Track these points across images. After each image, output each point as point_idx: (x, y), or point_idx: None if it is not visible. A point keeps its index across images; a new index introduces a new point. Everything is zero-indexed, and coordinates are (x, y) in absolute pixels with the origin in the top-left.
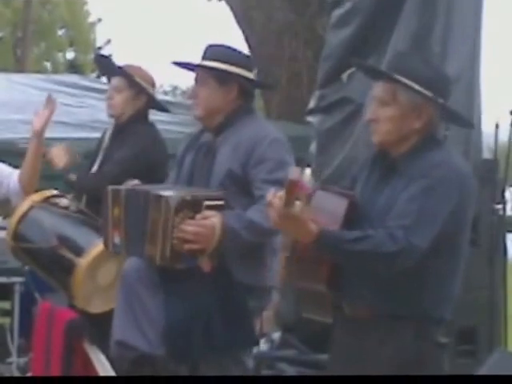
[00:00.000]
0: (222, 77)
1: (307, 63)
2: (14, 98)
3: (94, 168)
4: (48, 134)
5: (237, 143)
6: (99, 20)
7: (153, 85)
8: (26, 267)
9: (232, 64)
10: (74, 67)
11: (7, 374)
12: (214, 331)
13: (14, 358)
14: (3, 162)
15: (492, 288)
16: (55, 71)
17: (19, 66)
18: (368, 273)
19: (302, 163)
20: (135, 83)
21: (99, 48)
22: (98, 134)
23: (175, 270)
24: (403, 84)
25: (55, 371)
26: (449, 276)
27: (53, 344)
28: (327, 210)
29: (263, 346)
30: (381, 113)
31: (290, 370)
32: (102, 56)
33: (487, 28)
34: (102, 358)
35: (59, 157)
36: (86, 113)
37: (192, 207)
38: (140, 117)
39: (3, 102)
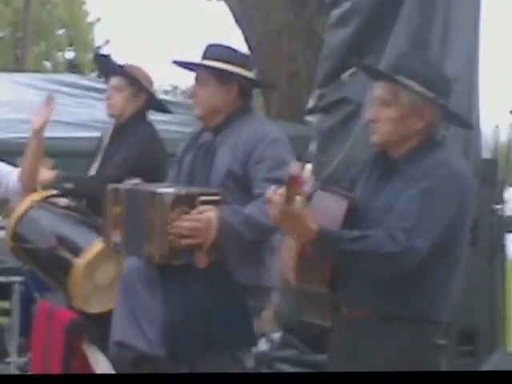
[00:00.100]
0: (222, 76)
1: (306, 63)
2: (14, 97)
3: (94, 168)
4: (48, 134)
5: (236, 142)
6: (98, 20)
7: (151, 85)
8: (26, 267)
9: (232, 63)
10: (73, 67)
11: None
12: (213, 331)
13: (13, 358)
14: (3, 161)
15: (492, 288)
16: (55, 71)
17: (19, 66)
18: (366, 274)
19: (301, 161)
20: (135, 81)
21: (98, 48)
22: (97, 134)
23: (174, 266)
24: (405, 85)
25: (55, 371)
26: (447, 277)
27: (52, 344)
28: (327, 210)
29: (263, 346)
30: (382, 113)
31: (291, 371)
32: (102, 55)
33: (486, 28)
34: (102, 358)
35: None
36: (85, 112)
37: (187, 203)
38: (139, 117)
39: (3, 102)
